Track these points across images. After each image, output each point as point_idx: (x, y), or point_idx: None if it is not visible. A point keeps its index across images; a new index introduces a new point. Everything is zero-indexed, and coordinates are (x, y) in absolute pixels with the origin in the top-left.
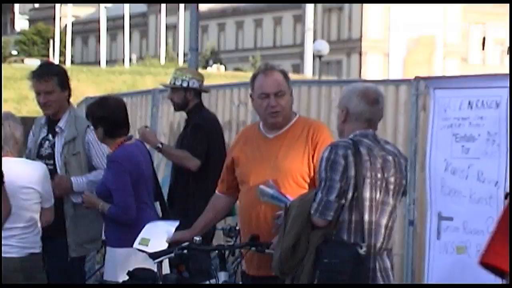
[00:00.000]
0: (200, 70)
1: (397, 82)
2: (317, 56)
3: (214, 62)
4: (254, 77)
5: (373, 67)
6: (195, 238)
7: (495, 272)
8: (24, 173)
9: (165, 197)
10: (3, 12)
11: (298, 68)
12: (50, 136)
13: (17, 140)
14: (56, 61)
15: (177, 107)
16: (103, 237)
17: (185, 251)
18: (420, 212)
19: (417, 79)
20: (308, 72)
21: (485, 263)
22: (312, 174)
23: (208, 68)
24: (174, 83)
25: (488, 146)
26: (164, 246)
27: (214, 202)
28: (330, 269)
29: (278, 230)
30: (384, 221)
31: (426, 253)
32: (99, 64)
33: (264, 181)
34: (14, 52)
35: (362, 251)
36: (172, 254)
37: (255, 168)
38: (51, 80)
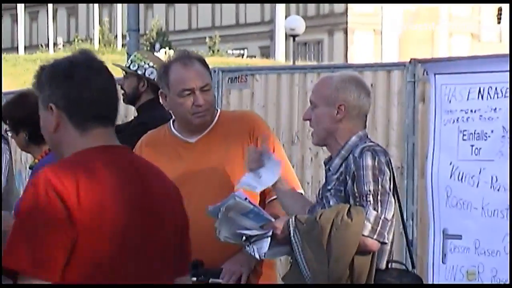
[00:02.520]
0: None
1: (388, 67)
2: (291, 36)
3: (162, 46)
4: (166, 69)
5: (362, 48)
6: None
7: (8, 275)
8: None
9: None
10: None
11: (267, 51)
12: None
13: None
14: None
15: (126, 98)
16: None
17: None
18: (421, 230)
19: (414, 62)
20: (280, 56)
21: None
22: None
23: (155, 53)
24: (129, 67)
25: (504, 145)
26: None
27: None
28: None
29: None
30: None
31: (428, 280)
32: (17, 50)
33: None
34: None
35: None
36: None
37: (184, 183)
38: None
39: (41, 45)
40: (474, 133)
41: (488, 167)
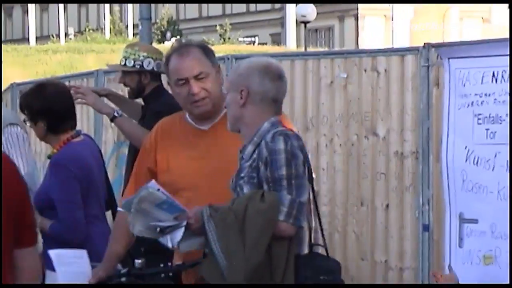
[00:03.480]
0: (155, 45)
1: (402, 51)
2: (302, 23)
3: (173, 35)
4: (167, 61)
5: (373, 34)
6: (136, 261)
7: None
8: None
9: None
10: None
11: (278, 38)
12: None
13: None
14: None
15: (132, 94)
16: None
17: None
18: (437, 214)
19: (427, 46)
20: (291, 43)
21: None
22: None
23: (166, 42)
24: (125, 64)
25: None
26: None
27: (125, 223)
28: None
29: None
30: None
31: (445, 265)
32: (28, 41)
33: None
34: None
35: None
36: None
37: (198, 170)
38: None
39: (52, 36)
40: (489, 116)
41: (503, 150)
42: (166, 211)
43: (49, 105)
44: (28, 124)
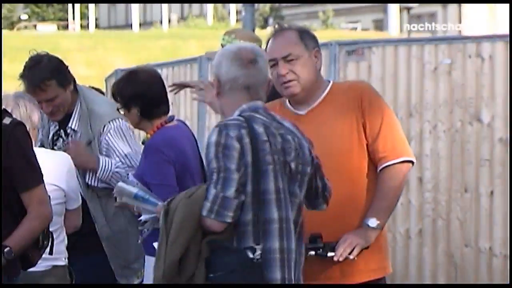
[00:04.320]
0: (257, 31)
1: (506, 38)
2: (405, 9)
3: (275, 21)
4: (267, 43)
5: (477, 20)
6: None
7: None
8: (45, 166)
9: None
10: None
11: (381, 25)
12: (62, 133)
13: (34, 125)
14: (77, 26)
15: None
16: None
17: None
18: None
19: None
20: (393, 29)
21: None
22: (366, 151)
23: (268, 28)
24: None
25: None
26: None
27: None
28: (218, 285)
29: (159, 239)
30: (293, 217)
31: None
32: (131, 27)
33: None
34: (24, 17)
35: (256, 255)
36: None
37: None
38: (50, 85)
39: (155, 22)
40: None
41: None
42: (146, 203)
43: (141, 91)
44: (121, 112)
